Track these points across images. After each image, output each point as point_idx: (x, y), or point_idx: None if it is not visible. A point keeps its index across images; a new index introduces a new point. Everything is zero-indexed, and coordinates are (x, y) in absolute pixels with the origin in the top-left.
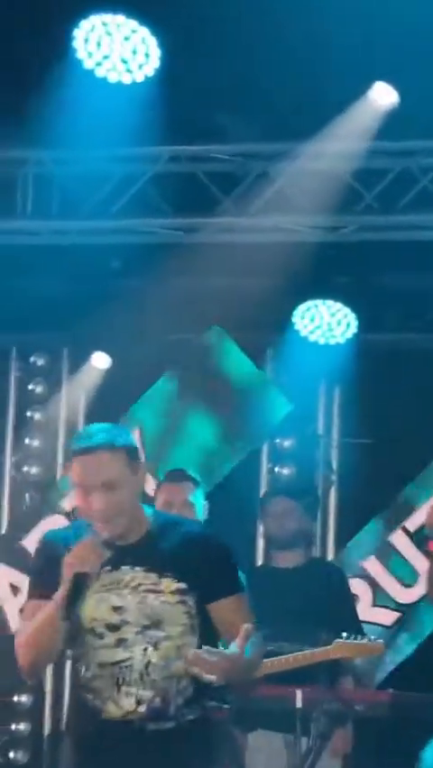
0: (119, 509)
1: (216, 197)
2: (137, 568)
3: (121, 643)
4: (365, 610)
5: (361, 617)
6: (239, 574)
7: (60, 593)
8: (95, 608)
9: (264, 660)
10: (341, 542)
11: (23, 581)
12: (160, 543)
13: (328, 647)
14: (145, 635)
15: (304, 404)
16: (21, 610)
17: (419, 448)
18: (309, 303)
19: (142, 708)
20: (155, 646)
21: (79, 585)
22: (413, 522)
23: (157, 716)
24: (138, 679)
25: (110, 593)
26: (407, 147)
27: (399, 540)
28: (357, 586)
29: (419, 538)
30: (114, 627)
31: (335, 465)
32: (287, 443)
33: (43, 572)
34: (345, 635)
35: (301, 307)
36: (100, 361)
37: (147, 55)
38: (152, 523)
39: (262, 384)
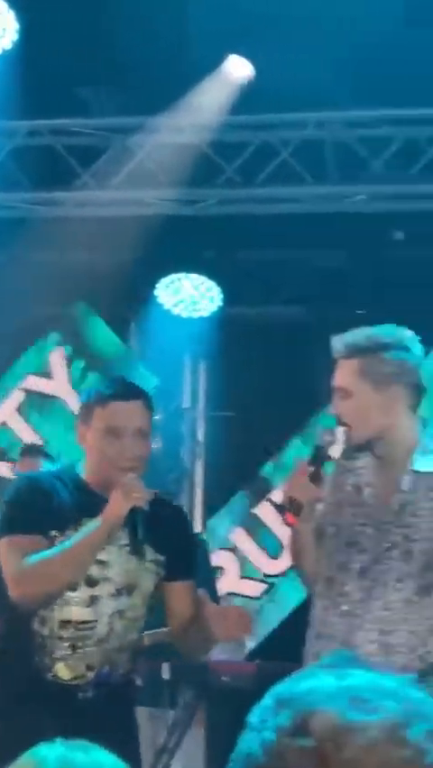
0: (142, 462)
1: (76, 171)
2: (126, 528)
3: (93, 602)
4: (233, 582)
5: (228, 589)
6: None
7: (107, 526)
8: None
9: None
10: (208, 514)
11: None
12: (143, 512)
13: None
14: (117, 599)
15: (169, 378)
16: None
17: (284, 419)
18: (172, 276)
19: (91, 674)
20: (121, 614)
21: (136, 519)
22: (278, 494)
23: (100, 683)
24: (96, 644)
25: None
26: (267, 120)
27: (264, 512)
28: (224, 558)
29: (282, 510)
30: (92, 582)
31: (201, 438)
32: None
33: (33, 509)
34: None
35: (164, 281)
36: None
37: (4, 29)
38: None
39: (127, 359)
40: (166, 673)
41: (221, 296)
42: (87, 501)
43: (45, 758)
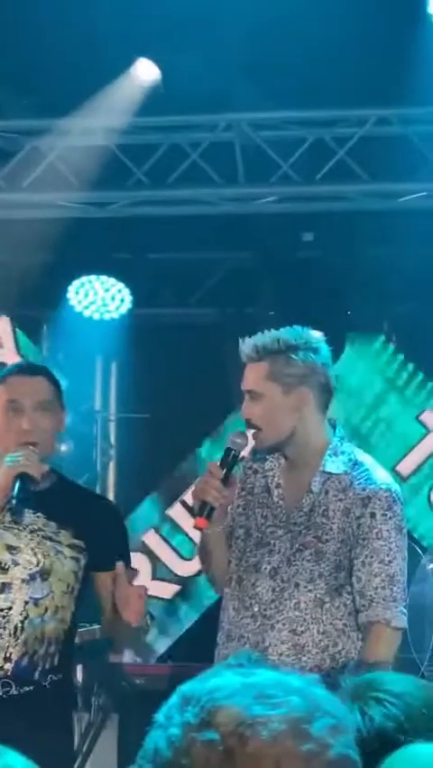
0: (45, 436)
1: None
2: (39, 513)
3: (4, 588)
4: (145, 584)
5: None
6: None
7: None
8: None
9: None
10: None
11: None
12: (64, 495)
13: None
14: (31, 585)
15: (81, 379)
16: None
17: (196, 421)
18: (84, 279)
19: (9, 666)
20: (36, 602)
21: (25, 481)
22: (190, 495)
23: (22, 677)
24: (12, 633)
25: (8, 531)
26: (176, 122)
27: (177, 514)
28: (137, 560)
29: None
30: (2, 568)
31: (113, 440)
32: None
33: None
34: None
35: (76, 283)
36: None
37: None
38: (56, 475)
39: (38, 361)
40: (80, 676)
41: (131, 297)
42: None
43: None
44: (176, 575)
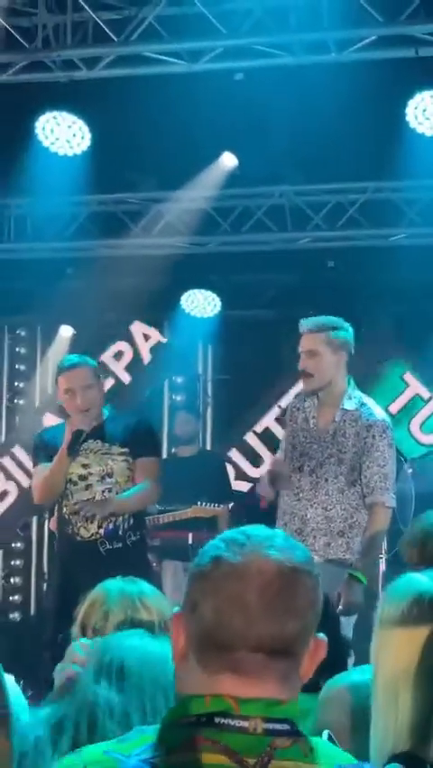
0: (91, 403)
1: (129, 227)
2: (97, 441)
3: (88, 488)
4: (232, 482)
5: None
6: (159, 448)
7: (65, 442)
8: (72, 467)
9: (158, 515)
10: (216, 441)
11: None
12: (111, 426)
13: (188, 509)
14: (103, 482)
15: (190, 355)
16: (33, 472)
17: (260, 381)
18: (190, 291)
19: (102, 531)
20: (109, 491)
21: (79, 434)
22: (258, 427)
23: (111, 536)
24: None
25: (81, 457)
26: (247, 192)
27: (250, 438)
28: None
29: (261, 438)
30: (83, 477)
31: (210, 392)
32: (180, 380)
33: (43, 450)
34: (199, 502)
35: (185, 295)
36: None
37: (82, 137)
38: (106, 415)
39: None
40: (190, 539)
41: (220, 303)
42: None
43: (109, 590)
44: (249, 476)
